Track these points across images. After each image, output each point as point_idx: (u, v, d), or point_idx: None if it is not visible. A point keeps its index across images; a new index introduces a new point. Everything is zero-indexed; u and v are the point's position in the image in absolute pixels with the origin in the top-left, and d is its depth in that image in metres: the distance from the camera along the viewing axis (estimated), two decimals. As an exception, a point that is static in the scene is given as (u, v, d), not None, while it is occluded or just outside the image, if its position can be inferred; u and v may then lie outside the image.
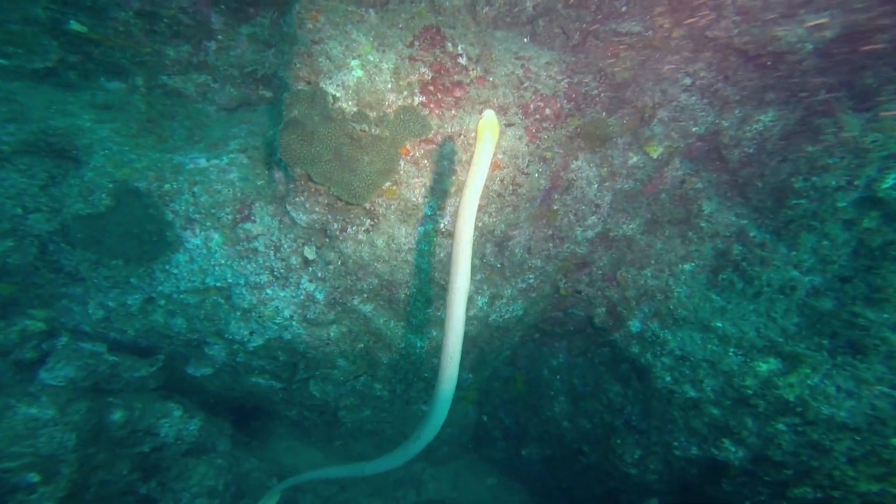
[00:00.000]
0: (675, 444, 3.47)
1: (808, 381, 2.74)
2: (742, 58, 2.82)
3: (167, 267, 3.36)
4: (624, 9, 2.96)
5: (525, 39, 3.40)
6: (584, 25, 3.19)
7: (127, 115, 3.78)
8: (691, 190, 3.17)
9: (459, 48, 3.23)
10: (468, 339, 4.27)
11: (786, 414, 2.77)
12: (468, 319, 3.99)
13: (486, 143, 1.80)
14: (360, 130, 2.97)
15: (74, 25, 3.75)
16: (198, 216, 3.22)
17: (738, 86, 2.93)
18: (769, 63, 2.74)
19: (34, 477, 3.43)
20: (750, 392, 2.96)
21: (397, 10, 3.25)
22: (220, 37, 3.99)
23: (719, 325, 3.10)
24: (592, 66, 3.21)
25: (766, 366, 2.91)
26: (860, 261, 2.71)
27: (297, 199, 3.14)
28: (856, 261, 2.73)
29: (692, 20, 2.85)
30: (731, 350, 3.04)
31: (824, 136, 2.53)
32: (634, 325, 3.48)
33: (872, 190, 2.58)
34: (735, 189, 3.08)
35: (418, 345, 3.93)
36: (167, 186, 3.23)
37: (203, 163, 3.48)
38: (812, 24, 2.53)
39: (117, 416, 4.00)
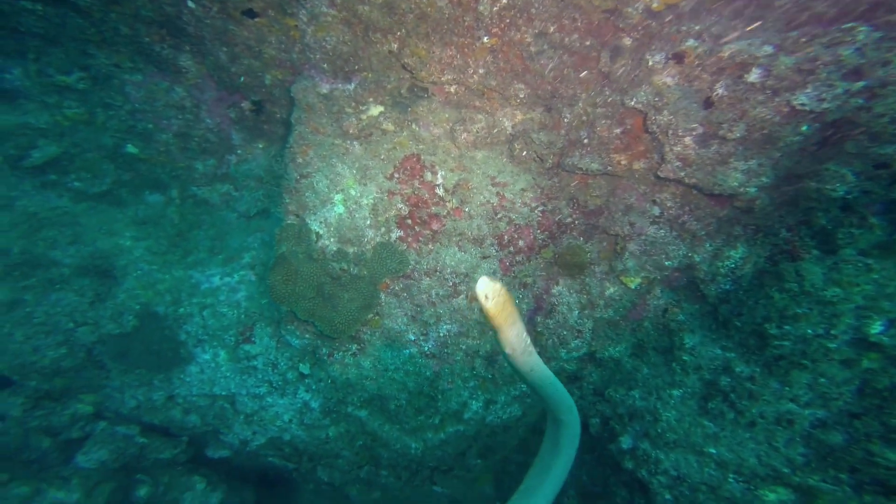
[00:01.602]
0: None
1: (831, 517, 2.57)
2: (701, 192, 2.72)
3: (182, 376, 3.75)
4: (585, 140, 2.93)
5: (504, 159, 3.44)
6: (556, 150, 3.18)
7: (161, 229, 4.29)
8: (673, 322, 3.05)
9: (439, 176, 3.35)
10: (469, 437, 4.32)
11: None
12: (465, 420, 4.06)
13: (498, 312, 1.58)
14: (340, 270, 3.17)
15: (130, 148, 4.34)
16: (206, 337, 3.58)
17: (703, 221, 2.82)
18: (726, 200, 2.62)
19: (62, 557, 3.92)
20: None
21: (380, 141, 3.43)
22: (239, 151, 4.43)
23: (713, 450, 3.00)
24: (566, 192, 3.19)
25: (773, 495, 2.78)
26: (868, 399, 2.53)
27: (289, 327, 3.40)
28: (863, 399, 2.56)
29: (643, 160, 2.78)
30: (731, 476, 2.93)
31: (788, 285, 2.37)
32: (626, 441, 3.41)
33: (863, 334, 2.39)
34: (717, 323, 2.91)
35: (413, 446, 4.04)
36: (181, 311, 3.63)
37: (217, 281, 3.87)
38: (742, 170, 2.41)
39: (142, 492, 4.47)
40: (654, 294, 3.13)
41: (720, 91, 2.33)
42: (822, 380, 2.47)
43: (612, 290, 3.18)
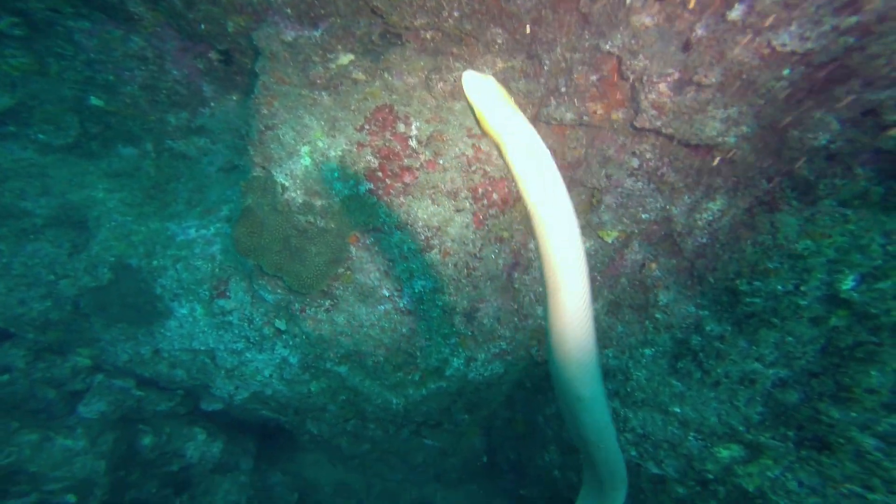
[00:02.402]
0: (649, 514, 3.46)
1: (769, 473, 2.64)
2: (679, 143, 2.56)
3: (162, 330, 3.80)
4: (563, 89, 2.75)
5: (485, 111, 3.27)
6: (535, 100, 3.01)
7: (136, 181, 4.24)
8: (649, 278, 2.97)
9: (413, 128, 3.21)
10: (452, 393, 4.37)
11: (745, 504, 2.67)
12: (447, 377, 4.09)
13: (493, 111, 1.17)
14: (307, 222, 3.11)
15: (94, 100, 4.23)
16: (181, 291, 3.58)
17: (683, 173, 2.68)
18: (706, 151, 2.46)
19: (72, 498, 4.13)
20: (711, 477, 2.91)
21: (350, 92, 3.28)
22: (212, 104, 4.29)
23: (678, 409, 3.06)
24: (545, 142, 3.04)
25: (726, 452, 2.84)
26: (829, 358, 2.53)
27: (261, 281, 3.38)
28: (824, 358, 2.55)
29: (621, 110, 2.60)
30: (692, 434, 3.00)
31: (762, 238, 2.26)
32: None
33: (834, 290, 2.33)
34: (693, 279, 2.83)
35: (394, 402, 4.11)
36: (155, 263, 3.63)
37: (192, 233, 3.84)
38: (721, 118, 2.24)
39: (146, 441, 4.66)
40: (632, 248, 3.04)
41: (700, 32, 2.14)
42: (790, 338, 2.42)
43: (587, 244, 3.08)
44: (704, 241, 2.67)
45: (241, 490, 5.30)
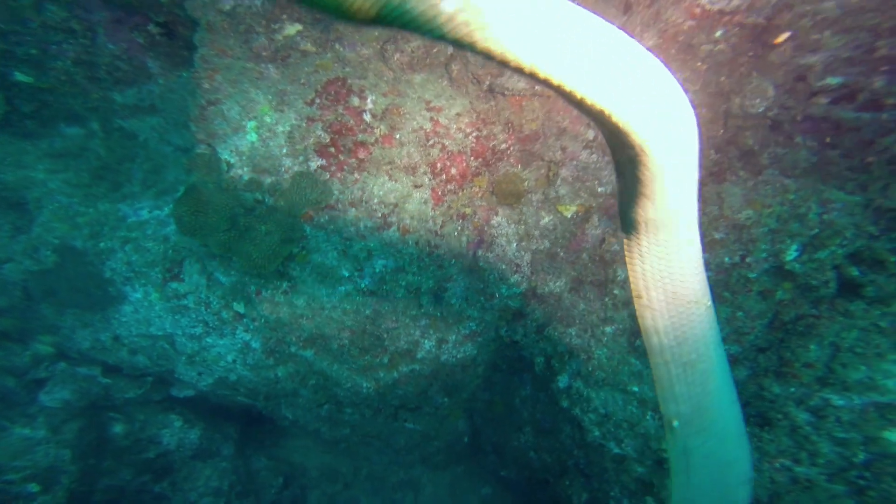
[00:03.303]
0: (612, 494, 3.65)
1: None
2: None
3: (118, 316, 3.90)
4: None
5: (445, 83, 3.31)
6: (493, 70, 3.05)
7: (83, 161, 4.26)
8: (608, 252, 3.06)
9: (368, 101, 3.25)
10: (426, 376, 4.52)
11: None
12: (418, 359, 4.22)
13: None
14: (255, 201, 3.17)
15: (20, 76, 4.20)
16: (132, 274, 3.67)
17: None
18: None
19: (34, 487, 4.30)
20: (666, 456, 3.06)
21: (300, 65, 3.30)
22: (160, 80, 4.28)
23: (636, 388, 3.19)
24: (502, 116, 3.09)
25: None
26: (775, 333, 2.66)
27: (213, 262, 3.46)
28: (771, 332, 2.68)
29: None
30: (649, 413, 3.13)
31: (708, 209, 2.36)
32: (563, 380, 3.59)
33: (780, 262, 2.44)
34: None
35: (364, 385, 4.24)
36: (102, 245, 3.70)
37: (145, 214, 3.90)
38: None
39: (118, 428, 4.82)
40: (592, 223, 3.12)
41: None
42: (740, 313, 2.52)
43: (546, 219, 3.16)
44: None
45: (222, 476, 5.49)
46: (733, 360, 2.79)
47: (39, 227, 3.79)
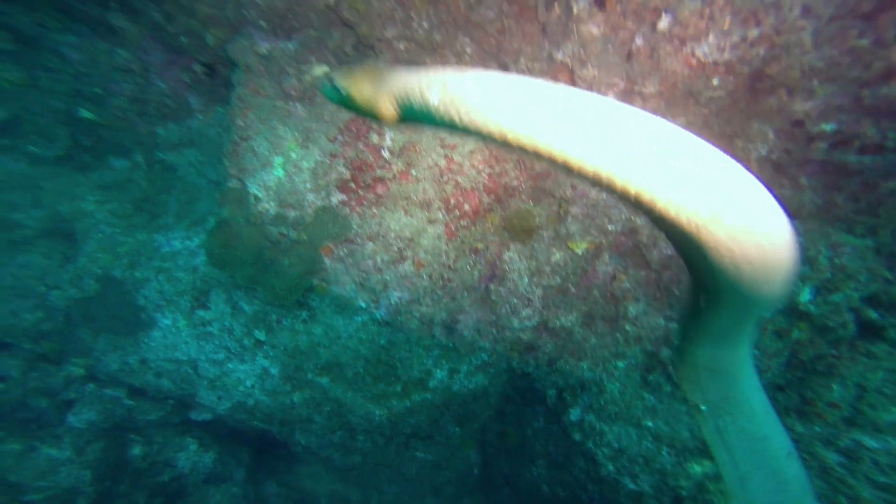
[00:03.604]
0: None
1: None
2: None
3: (147, 340, 4.05)
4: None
5: (458, 121, 3.43)
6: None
7: (126, 193, 4.52)
8: (619, 290, 3.06)
9: (387, 138, 3.38)
10: (438, 405, 4.52)
11: (717, 522, 2.74)
12: (430, 388, 4.24)
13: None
14: (279, 234, 3.30)
15: (84, 113, 4.54)
16: (163, 302, 3.82)
17: None
18: None
19: (52, 510, 4.40)
20: (684, 493, 2.97)
21: (324, 103, 3.47)
22: (200, 116, 4.56)
23: (650, 424, 3.12)
24: (514, 153, 3.18)
25: (699, 468, 2.90)
26: (793, 372, 2.59)
27: (238, 292, 3.59)
28: (789, 371, 2.61)
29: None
30: (665, 449, 3.06)
31: None
32: (575, 413, 3.55)
33: (794, 302, 2.40)
34: (661, 291, 2.91)
35: (377, 413, 4.26)
36: (138, 274, 3.88)
37: (177, 245, 4.09)
38: None
39: (137, 450, 4.93)
40: (603, 260, 3.13)
41: (638, 41, 2.25)
42: (756, 351, 2.48)
43: (557, 255, 3.19)
44: (669, 252, 2.76)
45: (232, 501, 5.53)
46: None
47: (85, 258, 4.01)
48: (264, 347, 3.94)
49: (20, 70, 4.10)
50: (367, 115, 1.06)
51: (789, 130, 1.94)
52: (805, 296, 2.23)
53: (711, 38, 2.04)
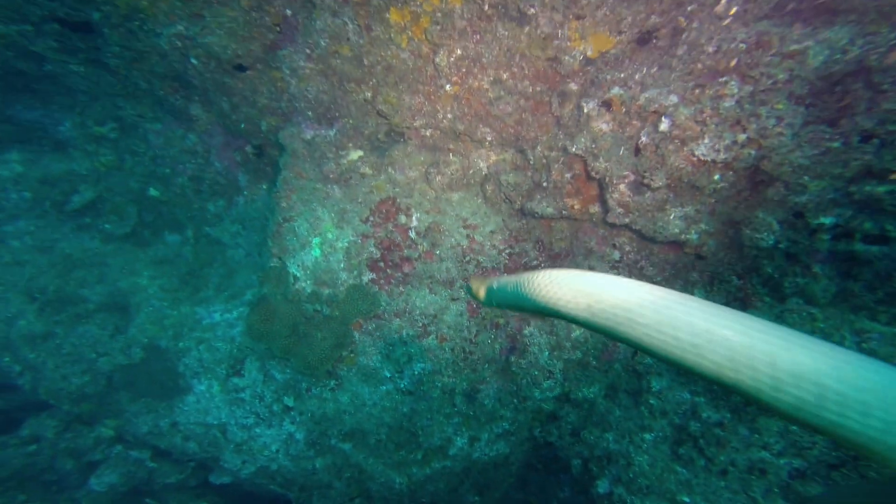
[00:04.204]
0: None
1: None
2: (648, 239, 2.73)
3: (181, 405, 4.15)
4: (545, 184, 3.03)
5: (479, 200, 3.60)
6: (523, 192, 3.30)
7: (174, 268, 4.80)
8: (640, 364, 3.03)
9: (413, 219, 3.56)
10: (457, 473, 4.41)
11: None
12: (450, 456, 4.16)
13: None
14: (314, 311, 3.44)
15: (153, 191, 4.93)
16: (201, 370, 3.96)
17: (660, 267, 2.81)
18: (677, 246, 2.61)
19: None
20: None
21: (358, 185, 3.71)
22: (245, 192, 4.90)
23: (686, 499, 2.96)
24: (533, 234, 3.29)
25: None
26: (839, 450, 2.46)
27: (272, 361, 3.70)
28: (838, 449, 2.48)
29: (596, 204, 2.83)
30: None
31: None
32: (603, 485, 3.41)
33: None
34: (678, 370, 2.87)
35: (397, 481, 4.19)
36: (181, 345, 4.05)
37: (217, 317, 4.28)
38: (680, 216, 2.39)
39: (150, 514, 4.88)
40: (623, 337, 3.13)
41: (644, 139, 2.38)
42: (794, 427, 2.40)
43: (578, 332, 3.21)
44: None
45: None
46: (801, 476, 2.62)
47: (135, 329, 4.23)
48: (292, 413, 3.99)
49: (113, 154, 4.56)
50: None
51: (792, 221, 2.00)
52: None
53: (707, 140, 2.16)
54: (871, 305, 2.13)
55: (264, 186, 4.88)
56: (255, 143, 4.71)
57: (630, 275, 2.94)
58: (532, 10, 2.65)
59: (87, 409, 4.80)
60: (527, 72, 2.92)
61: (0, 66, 4.27)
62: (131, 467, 4.61)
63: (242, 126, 4.45)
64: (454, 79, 3.22)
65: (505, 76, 3.02)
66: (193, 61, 3.93)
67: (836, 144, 1.88)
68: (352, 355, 3.57)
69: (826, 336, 2.18)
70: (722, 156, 2.13)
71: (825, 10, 1.95)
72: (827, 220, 1.88)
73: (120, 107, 4.74)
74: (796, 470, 2.59)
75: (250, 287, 4.53)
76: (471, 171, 3.63)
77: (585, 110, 2.58)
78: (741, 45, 2.07)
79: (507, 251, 3.36)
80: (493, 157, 3.60)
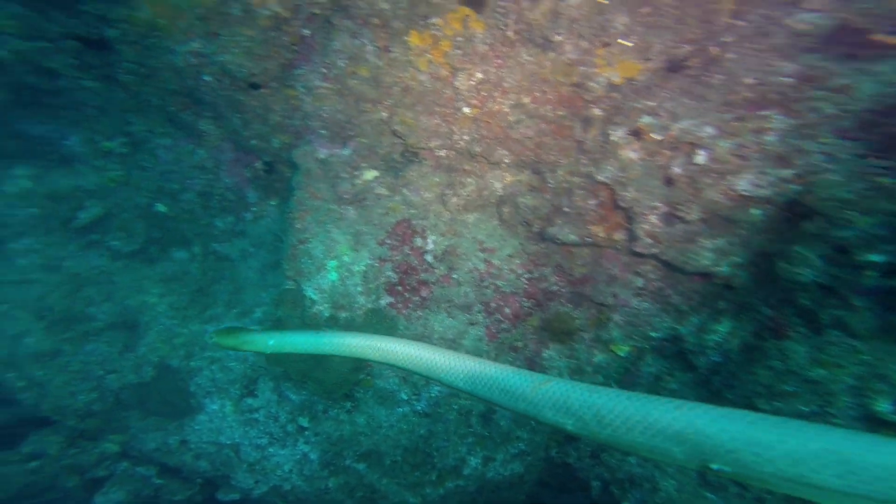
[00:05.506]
0: None
1: None
2: (677, 270, 2.62)
3: (192, 424, 3.97)
4: (566, 209, 2.91)
5: (495, 222, 3.47)
6: (541, 216, 3.17)
7: (183, 285, 4.60)
8: (664, 390, 2.91)
9: (429, 242, 3.42)
10: (471, 492, 4.26)
11: None
12: (464, 476, 4.02)
13: None
14: (330, 332, 3.28)
15: (160, 207, 4.74)
16: (214, 390, 3.79)
17: (686, 295, 2.69)
18: (706, 276, 2.50)
19: None
20: None
21: (374, 206, 3.56)
22: (254, 208, 4.73)
23: None
24: (553, 259, 3.17)
25: None
26: None
27: (288, 383, 3.54)
28: None
29: (621, 232, 2.72)
30: None
31: (772, 363, 2.22)
32: None
33: (869, 411, 2.19)
34: (711, 393, 2.76)
35: (410, 501, 4.03)
36: (193, 363, 3.87)
37: (229, 333, 4.09)
38: (711, 249, 2.29)
39: (153, 533, 4.66)
40: (646, 361, 3.02)
41: (677, 170, 2.28)
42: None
43: (599, 357, 3.09)
44: (717, 359, 2.63)
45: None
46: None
47: (145, 347, 4.05)
48: (306, 433, 3.83)
49: (122, 169, 4.37)
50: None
51: (835, 257, 1.90)
52: (882, 406, 2.05)
53: (749, 175, 2.06)
54: (918, 339, 2.02)
55: (273, 203, 4.71)
56: (265, 160, 4.55)
57: (654, 302, 2.82)
58: (558, 38, 2.54)
59: (93, 425, 4.59)
60: (549, 96, 2.81)
61: (12, 82, 4.08)
62: (137, 484, 4.40)
63: (253, 143, 4.29)
64: (473, 101, 3.10)
65: (526, 100, 2.90)
66: (207, 78, 3.77)
67: (886, 180, 1.78)
68: (368, 378, 3.43)
69: (871, 367, 2.06)
70: (763, 191, 2.03)
71: (877, 46, 1.86)
72: (876, 258, 1.78)
73: (130, 122, 4.55)
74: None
75: (259, 305, 4.36)
76: (486, 192, 3.50)
77: (613, 138, 2.47)
78: (786, 78, 1.97)
79: (525, 276, 3.24)
80: (509, 178, 3.47)
